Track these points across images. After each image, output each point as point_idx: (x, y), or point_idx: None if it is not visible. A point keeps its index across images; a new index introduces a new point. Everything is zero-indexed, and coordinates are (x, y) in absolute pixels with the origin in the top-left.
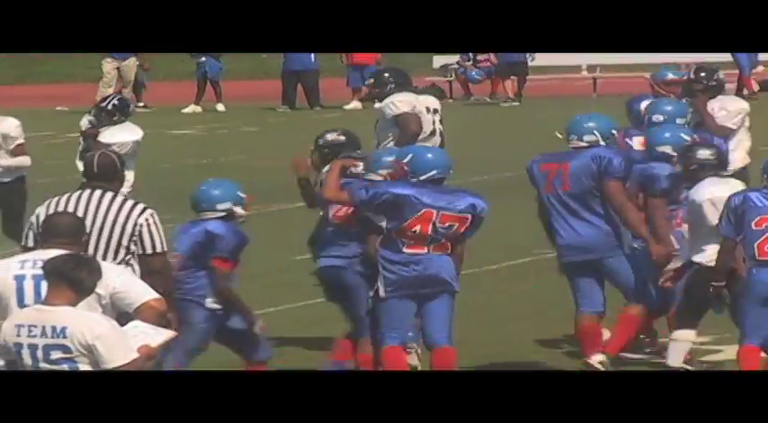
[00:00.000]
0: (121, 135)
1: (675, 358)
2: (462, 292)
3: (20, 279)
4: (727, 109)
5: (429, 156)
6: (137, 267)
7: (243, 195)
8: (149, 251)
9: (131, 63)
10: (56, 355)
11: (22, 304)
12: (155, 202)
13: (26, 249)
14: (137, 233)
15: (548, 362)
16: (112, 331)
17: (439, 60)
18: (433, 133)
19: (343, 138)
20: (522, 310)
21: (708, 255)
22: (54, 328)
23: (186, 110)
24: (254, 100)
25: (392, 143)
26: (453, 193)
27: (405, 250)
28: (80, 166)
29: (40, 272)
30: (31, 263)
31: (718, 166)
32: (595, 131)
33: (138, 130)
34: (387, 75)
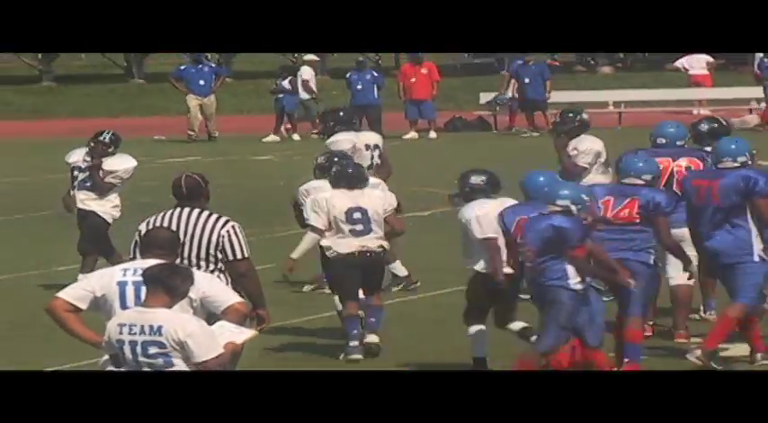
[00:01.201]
0: (125, 163)
1: None
2: None
3: (122, 285)
4: (578, 149)
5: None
6: (223, 278)
7: (586, 198)
8: (231, 257)
9: (211, 100)
10: (152, 350)
11: (123, 307)
12: (244, 216)
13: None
14: (220, 243)
15: None
16: (201, 330)
17: (485, 96)
18: (370, 167)
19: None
20: None
21: (481, 264)
22: (151, 327)
23: (266, 139)
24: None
25: None
26: None
27: None
28: (80, 195)
29: (140, 278)
30: (132, 271)
31: (489, 190)
32: (746, 153)
33: (133, 160)
34: (332, 115)
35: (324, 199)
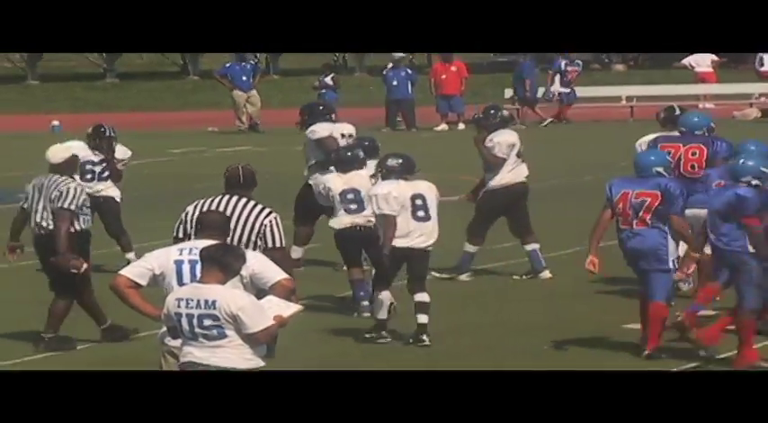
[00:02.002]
0: (127, 152)
1: None
2: None
3: (179, 263)
4: (494, 141)
5: None
6: None
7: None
8: (270, 245)
9: (254, 94)
10: (207, 322)
11: (180, 283)
12: (282, 204)
13: (177, 239)
14: (262, 231)
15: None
16: (252, 304)
17: (509, 92)
18: None
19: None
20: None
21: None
22: (206, 301)
23: None
24: (363, 123)
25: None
26: None
27: None
28: (98, 185)
29: (195, 257)
30: (187, 250)
31: (403, 170)
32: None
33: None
34: (308, 108)
35: (323, 184)
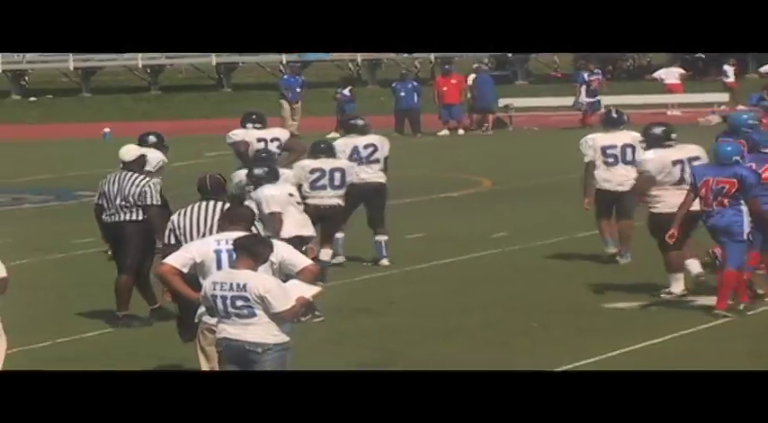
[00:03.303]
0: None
1: None
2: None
3: (218, 252)
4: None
5: None
6: None
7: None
8: None
9: (299, 106)
10: (239, 302)
11: (219, 269)
12: None
13: (168, 246)
14: None
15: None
16: (278, 287)
17: (503, 101)
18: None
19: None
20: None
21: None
22: (238, 285)
23: (329, 135)
24: (376, 129)
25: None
26: None
27: None
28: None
29: (231, 246)
30: (224, 241)
31: (270, 178)
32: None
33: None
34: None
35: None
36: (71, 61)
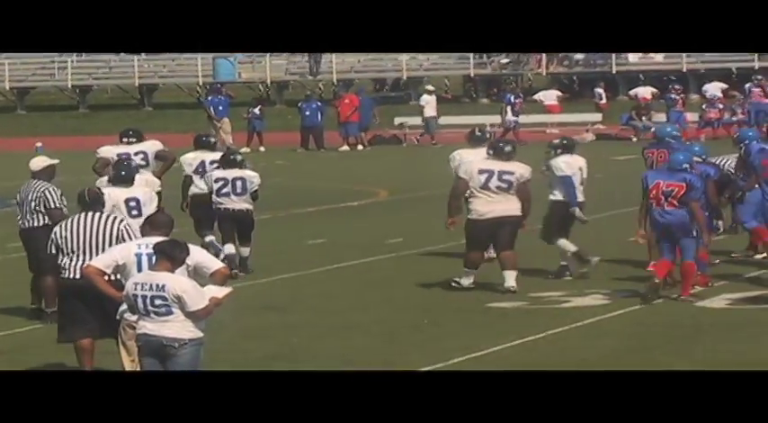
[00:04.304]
0: None
1: None
2: None
3: (139, 255)
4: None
5: None
6: None
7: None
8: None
9: (227, 122)
10: (158, 302)
11: (139, 271)
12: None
13: (49, 255)
14: (121, 235)
15: None
16: (193, 288)
17: (398, 120)
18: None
19: None
20: None
21: None
22: (157, 285)
23: (242, 150)
24: (283, 145)
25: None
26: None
27: None
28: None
29: (151, 250)
30: (144, 245)
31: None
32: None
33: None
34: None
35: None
36: (7, 82)
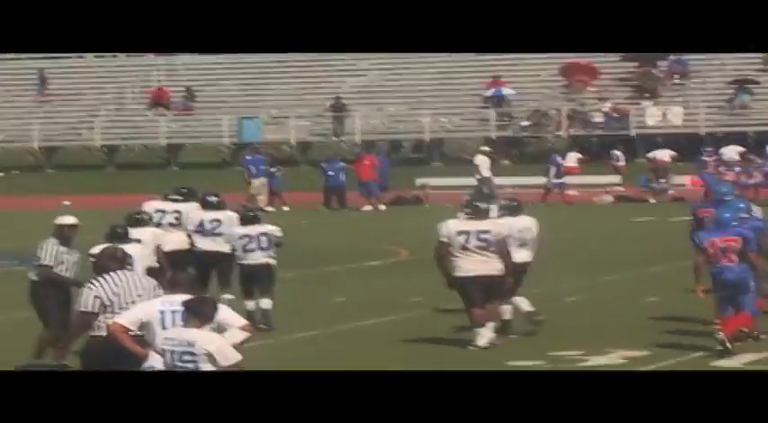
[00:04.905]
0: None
1: None
2: None
3: (162, 313)
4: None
5: None
6: None
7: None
8: None
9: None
10: (186, 357)
11: (163, 327)
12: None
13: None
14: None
15: None
16: (225, 344)
17: (419, 181)
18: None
19: None
20: None
21: None
22: (188, 341)
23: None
24: (304, 203)
25: None
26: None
27: None
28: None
29: (173, 308)
30: (168, 303)
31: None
32: None
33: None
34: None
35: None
36: (36, 141)
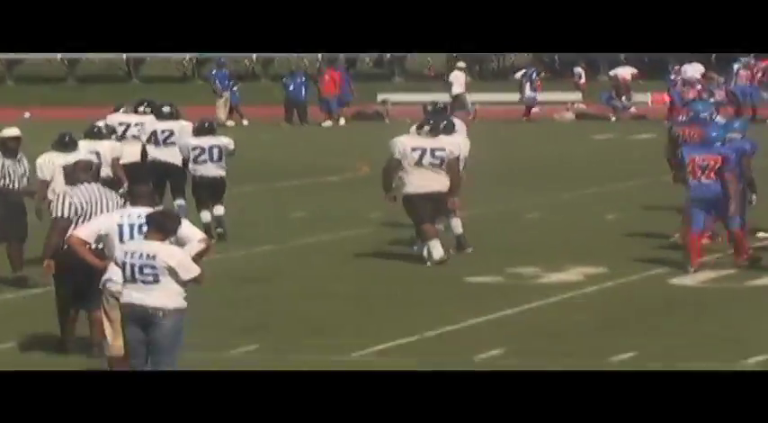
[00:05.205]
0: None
1: None
2: None
3: (120, 226)
4: None
5: None
6: None
7: None
8: None
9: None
10: (146, 270)
11: (121, 240)
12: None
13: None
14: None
15: None
16: (186, 257)
17: (381, 96)
18: None
19: None
20: None
21: None
22: (148, 254)
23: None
24: (265, 117)
25: None
26: None
27: None
28: None
29: (132, 221)
30: (126, 216)
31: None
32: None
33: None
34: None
35: None
36: None
